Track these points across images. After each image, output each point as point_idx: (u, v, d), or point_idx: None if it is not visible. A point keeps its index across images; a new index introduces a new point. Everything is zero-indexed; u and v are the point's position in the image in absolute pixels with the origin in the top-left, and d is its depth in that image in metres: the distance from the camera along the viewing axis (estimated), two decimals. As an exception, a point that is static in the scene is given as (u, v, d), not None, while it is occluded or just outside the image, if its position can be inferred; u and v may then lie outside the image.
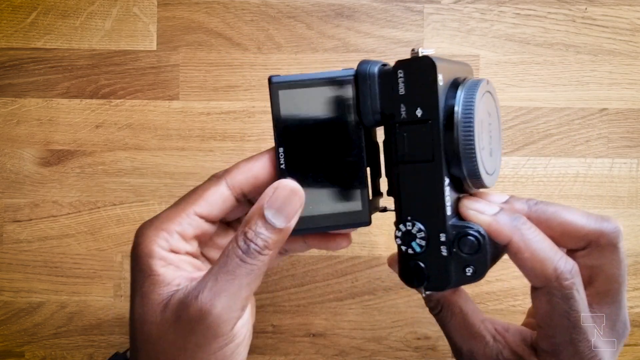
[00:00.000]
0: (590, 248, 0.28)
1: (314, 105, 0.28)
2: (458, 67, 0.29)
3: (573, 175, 0.40)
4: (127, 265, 0.40)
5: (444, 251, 0.27)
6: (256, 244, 0.26)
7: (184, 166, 0.40)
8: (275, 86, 0.28)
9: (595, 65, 0.40)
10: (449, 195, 0.27)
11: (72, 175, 0.40)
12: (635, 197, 0.40)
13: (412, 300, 0.40)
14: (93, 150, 0.40)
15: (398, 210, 0.27)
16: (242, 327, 0.27)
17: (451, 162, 0.26)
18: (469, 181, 0.27)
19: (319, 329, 0.40)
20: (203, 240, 0.29)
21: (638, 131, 0.40)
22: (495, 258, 0.29)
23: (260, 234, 0.26)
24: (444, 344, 0.40)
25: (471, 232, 0.26)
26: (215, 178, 0.29)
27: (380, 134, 0.30)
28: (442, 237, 0.26)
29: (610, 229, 0.28)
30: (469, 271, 0.27)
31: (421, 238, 0.27)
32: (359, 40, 0.40)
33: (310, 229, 0.29)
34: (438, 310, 0.30)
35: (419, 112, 0.26)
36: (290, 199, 0.27)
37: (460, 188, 0.28)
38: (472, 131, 0.26)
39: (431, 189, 0.26)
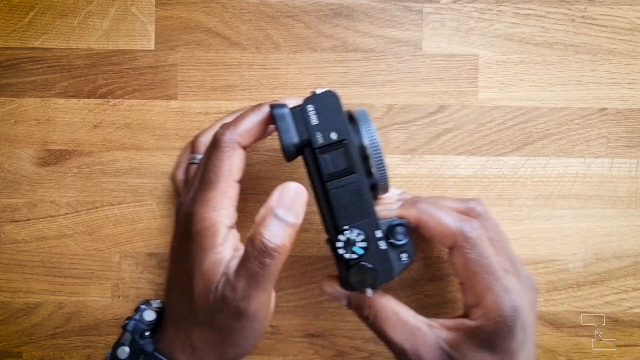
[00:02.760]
0: (454, 248, 0.31)
1: None
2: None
3: (572, 175, 0.40)
4: (125, 266, 0.40)
5: (383, 245, 0.31)
6: (273, 243, 0.29)
7: (182, 166, 0.40)
8: None
9: (595, 64, 0.40)
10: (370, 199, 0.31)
11: (69, 175, 0.40)
12: (635, 197, 0.40)
13: (411, 301, 0.40)
14: (91, 150, 0.40)
15: (332, 224, 0.31)
16: (268, 316, 0.31)
17: (366, 171, 0.31)
18: (379, 186, 0.32)
19: (317, 330, 0.40)
20: None
21: (637, 131, 0.40)
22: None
23: (274, 233, 0.29)
24: (442, 344, 0.40)
25: (398, 222, 0.32)
26: (231, 143, 0.31)
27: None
28: (378, 234, 0.31)
29: (467, 230, 0.31)
30: (404, 257, 0.32)
31: (361, 240, 0.31)
32: (357, 40, 0.40)
33: None
34: (374, 316, 0.32)
35: (334, 136, 0.31)
36: (296, 197, 0.30)
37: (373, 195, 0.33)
38: (378, 144, 0.31)
39: (359, 195, 0.31)
